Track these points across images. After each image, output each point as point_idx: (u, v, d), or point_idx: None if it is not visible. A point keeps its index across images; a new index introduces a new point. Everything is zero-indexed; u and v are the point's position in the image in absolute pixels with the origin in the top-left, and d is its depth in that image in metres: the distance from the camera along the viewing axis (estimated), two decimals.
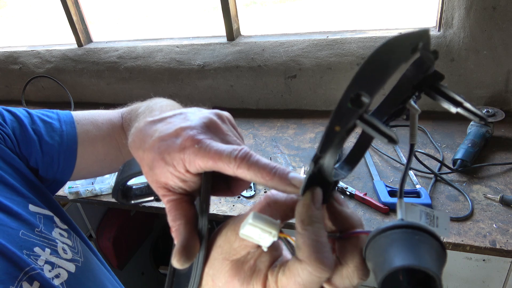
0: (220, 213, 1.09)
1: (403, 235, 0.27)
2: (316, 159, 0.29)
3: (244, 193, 1.14)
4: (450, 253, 0.94)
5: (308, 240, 0.29)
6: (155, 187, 0.37)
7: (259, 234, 0.30)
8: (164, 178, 0.35)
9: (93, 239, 1.55)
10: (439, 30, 1.37)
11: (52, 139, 0.60)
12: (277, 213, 0.32)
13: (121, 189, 0.42)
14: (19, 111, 0.61)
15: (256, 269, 0.32)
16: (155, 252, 1.73)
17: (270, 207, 0.32)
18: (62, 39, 2.04)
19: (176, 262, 0.33)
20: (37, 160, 0.60)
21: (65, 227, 0.58)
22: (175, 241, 0.34)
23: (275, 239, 0.31)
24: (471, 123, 1.23)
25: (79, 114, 0.65)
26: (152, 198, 0.43)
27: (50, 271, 0.50)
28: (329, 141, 0.27)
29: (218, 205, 1.13)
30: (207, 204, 0.35)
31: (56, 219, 0.57)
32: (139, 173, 0.41)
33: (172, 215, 0.35)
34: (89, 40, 1.96)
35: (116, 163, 0.66)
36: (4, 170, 0.55)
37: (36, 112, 0.63)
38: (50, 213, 0.57)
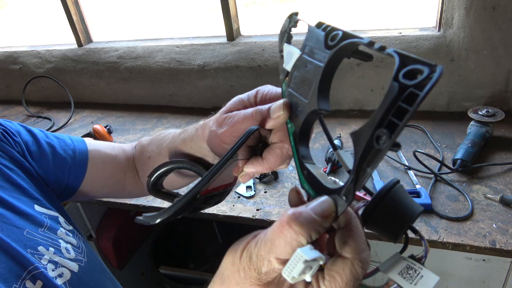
0: (220, 213, 1.09)
1: (400, 189, 0.33)
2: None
3: (244, 193, 1.14)
4: (450, 253, 0.94)
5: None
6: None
7: (310, 268, 0.29)
8: None
9: (93, 239, 1.55)
10: (439, 30, 1.37)
11: (65, 152, 0.64)
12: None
13: (155, 180, 0.47)
14: (35, 129, 0.66)
15: None
16: (155, 252, 1.73)
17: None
18: (62, 39, 2.04)
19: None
20: (48, 171, 0.62)
21: (70, 228, 0.59)
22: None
23: (323, 262, 0.30)
24: (471, 123, 1.23)
25: (88, 139, 0.70)
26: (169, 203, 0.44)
27: (53, 270, 0.50)
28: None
29: (218, 205, 1.13)
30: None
31: (61, 219, 0.58)
32: (176, 167, 0.46)
33: None
34: (89, 40, 1.96)
35: (116, 186, 0.69)
36: (12, 171, 0.56)
37: (49, 132, 0.68)
38: (56, 214, 0.58)
